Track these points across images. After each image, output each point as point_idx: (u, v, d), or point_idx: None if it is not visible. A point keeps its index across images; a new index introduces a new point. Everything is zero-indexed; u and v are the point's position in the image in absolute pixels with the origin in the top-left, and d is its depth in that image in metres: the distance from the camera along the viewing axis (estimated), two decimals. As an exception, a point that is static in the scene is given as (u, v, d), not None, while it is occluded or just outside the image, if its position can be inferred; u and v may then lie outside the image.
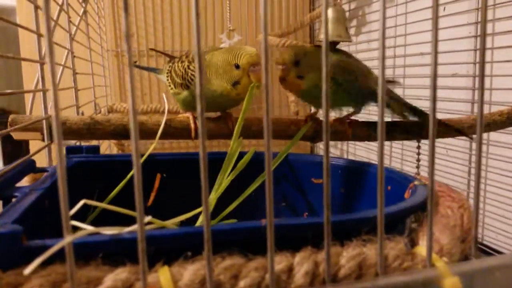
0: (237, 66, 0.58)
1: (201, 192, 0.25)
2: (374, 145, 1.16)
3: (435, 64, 0.29)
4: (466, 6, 1.01)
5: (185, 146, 1.61)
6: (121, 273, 0.25)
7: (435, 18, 0.29)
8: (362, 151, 1.43)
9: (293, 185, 0.61)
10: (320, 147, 1.58)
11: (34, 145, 1.54)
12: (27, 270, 0.23)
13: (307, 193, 0.61)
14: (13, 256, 0.25)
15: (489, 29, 0.94)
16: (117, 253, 0.26)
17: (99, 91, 1.25)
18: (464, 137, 1.01)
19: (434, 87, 0.29)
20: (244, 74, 0.58)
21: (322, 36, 1.35)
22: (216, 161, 0.54)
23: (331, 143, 1.55)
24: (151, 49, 0.99)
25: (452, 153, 1.03)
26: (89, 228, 0.26)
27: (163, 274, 0.26)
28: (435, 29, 0.30)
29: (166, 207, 0.56)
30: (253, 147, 0.60)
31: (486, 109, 0.89)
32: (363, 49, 1.42)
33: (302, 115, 1.62)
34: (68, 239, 0.22)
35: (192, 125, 0.64)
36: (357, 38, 1.45)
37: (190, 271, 0.26)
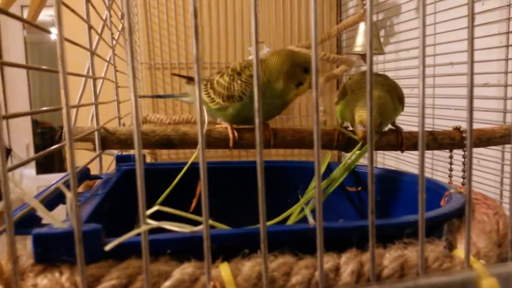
0: (306, 70, 0.63)
1: (259, 197, 0.28)
2: (403, 154, 1.16)
3: (472, 73, 0.32)
4: (497, 16, 1.01)
5: (227, 155, 1.65)
6: (188, 268, 0.28)
7: (471, 27, 0.31)
8: (392, 161, 1.44)
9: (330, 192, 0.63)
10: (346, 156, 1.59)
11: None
12: (108, 247, 0.26)
13: (341, 201, 0.63)
14: (95, 252, 0.28)
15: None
16: (183, 250, 0.29)
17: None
18: (496, 147, 1.01)
19: (471, 98, 0.31)
20: (309, 78, 0.63)
21: (356, 49, 1.38)
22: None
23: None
24: (173, 74, 1.04)
25: (484, 163, 1.03)
26: (164, 223, 0.29)
27: (224, 269, 0.28)
28: (471, 38, 0.32)
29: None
30: (325, 156, 0.65)
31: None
32: (391, 59, 1.44)
33: (330, 124, 1.64)
34: (144, 227, 0.26)
35: (231, 135, 0.67)
36: (384, 48, 1.46)
37: (248, 267, 0.29)
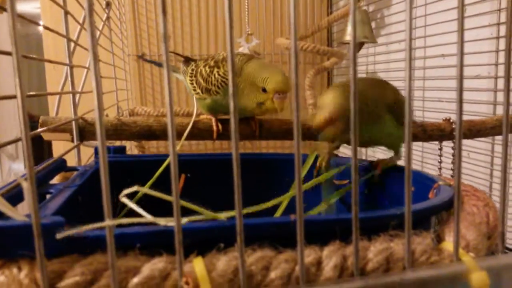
0: (264, 90, 0.59)
1: (234, 190, 0.26)
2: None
3: (461, 65, 0.30)
4: (488, 7, 1.00)
5: (211, 147, 1.63)
6: (158, 263, 0.26)
7: (461, 19, 0.30)
8: (381, 154, 1.43)
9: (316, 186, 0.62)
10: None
11: (56, 146, 1.58)
12: (60, 236, 0.24)
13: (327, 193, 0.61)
14: (57, 246, 0.26)
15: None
16: (153, 244, 0.27)
17: (121, 94, 1.28)
18: (486, 139, 1.00)
19: (460, 89, 0.30)
20: (269, 99, 0.59)
21: (347, 38, 1.36)
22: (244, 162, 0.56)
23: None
24: (172, 52, 1.02)
25: (474, 156, 1.02)
26: (142, 213, 0.27)
27: (197, 264, 0.27)
28: (461, 30, 0.30)
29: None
30: (314, 152, 0.62)
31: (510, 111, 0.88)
32: (382, 51, 1.42)
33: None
34: (108, 222, 0.24)
35: (215, 128, 0.65)
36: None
37: (223, 261, 0.27)
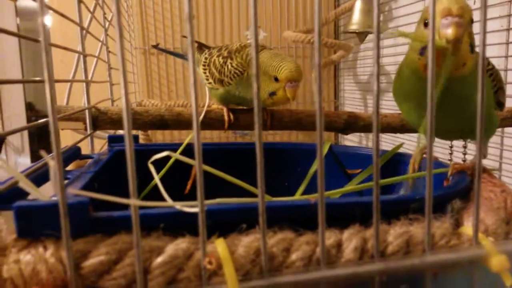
0: (276, 79, 0.59)
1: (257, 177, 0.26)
2: (401, 137, 1.15)
3: (483, 57, 0.30)
4: (498, -1, 0.99)
5: (230, 136, 1.63)
6: (182, 243, 0.27)
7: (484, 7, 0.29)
8: (389, 144, 1.43)
9: (329, 174, 0.62)
10: (344, 137, 1.57)
11: (64, 137, 1.59)
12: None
13: (342, 183, 0.61)
14: (82, 226, 0.26)
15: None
16: (177, 225, 0.28)
17: (129, 87, 1.28)
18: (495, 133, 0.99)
19: (482, 81, 0.30)
20: (281, 88, 0.59)
21: (352, 27, 1.35)
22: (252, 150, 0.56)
23: (359, 134, 1.55)
24: (183, 36, 1.02)
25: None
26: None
27: (220, 244, 0.27)
28: (484, 20, 0.30)
29: (212, 197, 0.58)
30: (327, 139, 0.62)
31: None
32: (389, 44, 1.42)
33: (328, 110, 1.63)
34: (134, 200, 0.24)
35: (226, 118, 0.65)
36: (383, 34, 1.44)
37: (245, 242, 0.27)
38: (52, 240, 0.26)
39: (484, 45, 0.30)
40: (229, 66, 0.63)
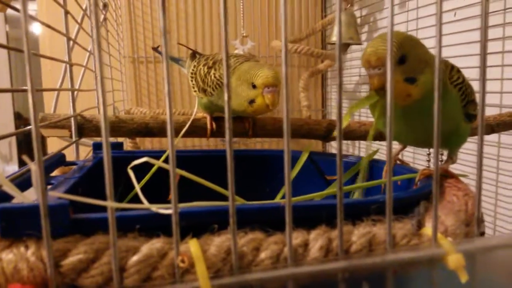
0: (254, 86, 0.59)
1: (225, 182, 0.28)
2: (383, 143, 1.17)
3: (484, 65, 0.32)
4: (478, 11, 1.03)
5: (206, 144, 1.65)
6: (156, 243, 0.28)
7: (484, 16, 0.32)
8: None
9: (309, 180, 0.64)
10: (331, 145, 1.60)
11: (51, 145, 1.60)
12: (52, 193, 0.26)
13: (320, 189, 0.63)
14: (62, 227, 0.28)
15: (500, 33, 0.96)
16: (152, 227, 0.29)
17: (117, 95, 1.30)
18: (474, 140, 1.02)
19: (483, 84, 0.32)
20: (259, 94, 0.59)
21: (333, 38, 1.38)
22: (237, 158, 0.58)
23: (346, 142, 1.58)
24: (179, 44, 1.04)
25: (463, 156, 1.05)
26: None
27: (193, 244, 0.29)
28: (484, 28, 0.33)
29: (186, 200, 0.59)
30: (306, 146, 0.63)
31: (496, 111, 0.90)
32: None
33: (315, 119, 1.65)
34: (110, 203, 0.25)
35: (209, 126, 0.67)
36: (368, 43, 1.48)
37: (217, 242, 0.29)
38: (33, 240, 0.27)
39: (484, 66, 0.32)
40: (212, 77, 0.65)
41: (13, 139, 2.52)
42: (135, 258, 0.27)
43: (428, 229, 0.33)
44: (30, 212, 0.27)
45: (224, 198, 0.47)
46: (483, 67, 0.33)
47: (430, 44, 1.22)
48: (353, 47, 1.53)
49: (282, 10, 0.28)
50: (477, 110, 0.47)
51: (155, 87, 1.67)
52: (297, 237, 0.31)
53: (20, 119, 2.64)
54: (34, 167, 0.25)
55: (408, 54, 0.41)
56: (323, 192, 0.44)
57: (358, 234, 0.31)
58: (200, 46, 1.66)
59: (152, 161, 0.34)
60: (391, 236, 0.31)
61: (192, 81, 0.70)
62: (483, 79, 0.34)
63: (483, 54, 0.33)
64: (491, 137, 0.94)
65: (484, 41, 0.33)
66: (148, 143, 1.62)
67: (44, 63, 1.72)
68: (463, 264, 0.31)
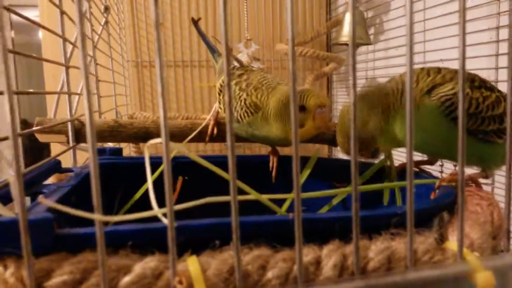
0: (303, 108, 0.51)
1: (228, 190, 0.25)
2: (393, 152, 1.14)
3: (463, 68, 0.29)
4: (486, 11, 1.00)
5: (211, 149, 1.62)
6: (150, 262, 0.25)
7: (463, 23, 0.29)
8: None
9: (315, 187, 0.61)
10: (338, 150, 1.57)
11: (55, 151, 1.58)
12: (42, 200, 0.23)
13: (330, 197, 0.60)
14: (45, 243, 0.25)
15: (506, 35, 0.93)
16: (146, 243, 0.26)
17: (120, 100, 1.27)
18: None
19: (463, 90, 0.29)
20: (310, 117, 0.51)
21: (343, 39, 1.35)
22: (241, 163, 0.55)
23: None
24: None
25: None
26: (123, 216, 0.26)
27: (192, 263, 0.26)
28: (463, 34, 0.30)
29: (189, 209, 0.56)
30: (315, 152, 0.59)
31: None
32: (381, 56, 1.42)
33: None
34: (97, 216, 0.23)
35: (209, 131, 0.64)
36: (374, 46, 1.45)
37: (218, 260, 0.26)
38: (13, 259, 0.25)
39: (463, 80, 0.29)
40: (242, 102, 0.57)
41: (19, 143, 2.51)
42: (127, 278, 0.24)
43: (452, 243, 0.30)
44: (8, 228, 0.24)
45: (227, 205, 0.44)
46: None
47: (438, 45, 1.19)
48: (359, 50, 1.50)
49: (289, 6, 0.25)
50: (495, 125, 0.44)
51: (156, 91, 1.65)
52: (308, 254, 0.27)
53: (26, 125, 2.63)
54: (12, 179, 0.22)
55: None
56: (337, 190, 0.41)
57: (376, 249, 0.28)
58: (204, 49, 1.63)
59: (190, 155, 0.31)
60: (412, 251, 0.28)
61: (220, 94, 0.64)
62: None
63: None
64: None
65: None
66: (152, 149, 1.59)
67: (47, 69, 1.71)
68: (493, 282, 0.27)
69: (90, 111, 0.23)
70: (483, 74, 1.00)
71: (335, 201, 0.54)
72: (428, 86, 0.45)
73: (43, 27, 0.49)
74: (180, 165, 0.60)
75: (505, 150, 0.45)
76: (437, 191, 0.42)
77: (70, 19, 0.60)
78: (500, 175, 0.96)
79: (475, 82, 0.46)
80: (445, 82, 0.46)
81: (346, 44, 1.38)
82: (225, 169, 0.27)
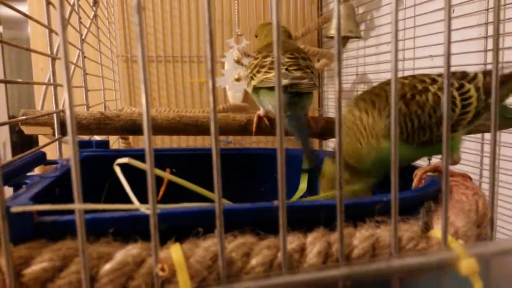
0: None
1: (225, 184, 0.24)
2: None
3: (448, 65, 0.29)
4: (476, 7, 1.00)
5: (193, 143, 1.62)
6: (132, 249, 0.25)
7: (448, 19, 0.29)
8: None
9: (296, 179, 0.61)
10: (328, 144, 1.57)
11: (43, 139, 1.56)
12: (14, 210, 0.23)
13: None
14: (24, 231, 0.25)
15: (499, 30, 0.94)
16: (128, 230, 0.26)
17: (109, 94, 1.26)
18: (475, 139, 1.00)
19: (448, 81, 0.29)
20: None
21: (332, 32, 1.35)
22: (229, 156, 0.55)
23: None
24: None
25: (463, 156, 1.02)
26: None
27: (175, 250, 0.25)
28: (448, 30, 0.30)
29: (176, 202, 0.56)
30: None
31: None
32: (371, 52, 1.42)
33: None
34: (78, 205, 0.22)
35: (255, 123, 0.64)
36: (365, 42, 1.45)
37: (202, 248, 0.26)
38: (-10, 247, 0.24)
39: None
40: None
41: (8, 139, 2.49)
42: (108, 266, 0.24)
43: (436, 231, 0.30)
44: (-14, 215, 0.23)
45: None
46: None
47: (429, 41, 1.19)
48: (350, 45, 1.50)
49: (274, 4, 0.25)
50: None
51: (149, 87, 1.64)
52: (293, 241, 0.27)
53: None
54: (-12, 162, 0.22)
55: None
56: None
57: (360, 237, 0.28)
58: (194, 44, 1.62)
59: (133, 162, 0.31)
60: (396, 239, 0.28)
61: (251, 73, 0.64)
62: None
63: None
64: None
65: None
66: (142, 143, 1.58)
67: (35, 62, 1.68)
68: (477, 269, 0.28)
69: (70, 91, 0.22)
70: (472, 70, 1.01)
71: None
72: (379, 131, 0.46)
73: (31, 18, 0.49)
74: (168, 156, 0.59)
75: (460, 135, 0.47)
76: (422, 181, 0.42)
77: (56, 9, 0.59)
78: (487, 169, 0.97)
79: (407, 95, 0.46)
80: (381, 115, 0.46)
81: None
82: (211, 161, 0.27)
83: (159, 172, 0.32)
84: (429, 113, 0.45)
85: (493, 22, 0.29)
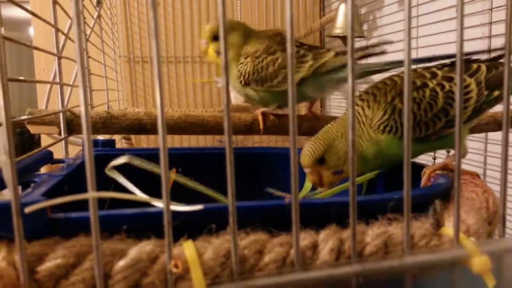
0: None
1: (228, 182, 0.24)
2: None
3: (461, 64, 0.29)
4: (479, 7, 1.00)
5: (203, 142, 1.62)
6: (146, 246, 0.25)
7: (461, 17, 0.29)
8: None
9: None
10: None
11: (45, 143, 1.56)
12: (28, 209, 0.23)
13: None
14: (38, 227, 0.25)
15: (501, 30, 0.94)
16: (142, 227, 0.26)
17: (112, 95, 1.26)
18: (478, 139, 1.00)
19: (460, 85, 0.29)
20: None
21: (335, 31, 1.35)
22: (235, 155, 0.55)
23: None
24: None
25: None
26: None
27: (187, 247, 0.25)
28: (461, 27, 0.30)
29: (182, 201, 0.56)
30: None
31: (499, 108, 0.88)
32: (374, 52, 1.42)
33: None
34: (91, 194, 0.22)
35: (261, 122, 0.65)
36: (367, 42, 1.45)
37: (215, 244, 0.26)
38: (4, 243, 0.24)
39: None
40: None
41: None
42: (121, 263, 0.24)
43: (448, 229, 0.30)
44: (1, 211, 0.23)
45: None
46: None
47: (430, 41, 1.19)
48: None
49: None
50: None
51: (151, 88, 1.63)
52: (305, 238, 0.27)
53: (16, 124, 2.60)
54: (4, 158, 0.22)
55: (326, 155, 0.47)
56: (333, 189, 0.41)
57: (373, 234, 0.28)
58: (196, 45, 1.62)
59: (132, 159, 0.31)
60: (409, 236, 0.28)
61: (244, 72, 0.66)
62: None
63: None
64: (496, 135, 0.92)
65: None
66: (144, 143, 1.58)
67: (38, 62, 1.69)
68: (489, 267, 0.27)
69: (86, 92, 0.22)
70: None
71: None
72: (379, 121, 0.47)
73: (36, 16, 0.49)
74: (174, 156, 0.59)
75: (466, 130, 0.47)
76: (431, 179, 0.42)
77: (63, 9, 0.59)
78: (491, 169, 0.97)
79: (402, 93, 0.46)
80: (379, 107, 0.47)
81: (339, 37, 1.38)
82: (218, 161, 0.27)
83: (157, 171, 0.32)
84: (425, 109, 0.45)
85: (506, 6, 0.29)
